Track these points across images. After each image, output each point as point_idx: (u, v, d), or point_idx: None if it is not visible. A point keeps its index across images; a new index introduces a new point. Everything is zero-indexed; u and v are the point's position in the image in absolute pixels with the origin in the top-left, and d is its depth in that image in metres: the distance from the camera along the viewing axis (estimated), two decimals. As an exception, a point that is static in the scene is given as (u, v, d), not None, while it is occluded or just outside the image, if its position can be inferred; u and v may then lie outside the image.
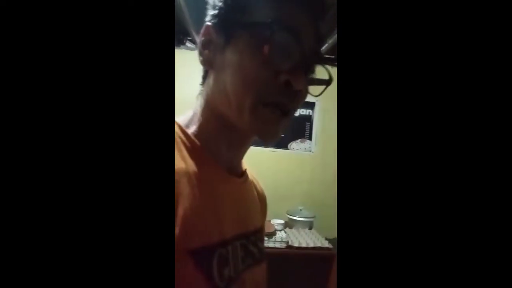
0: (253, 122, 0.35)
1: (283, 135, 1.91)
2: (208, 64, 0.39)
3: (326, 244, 1.56)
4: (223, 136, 0.40)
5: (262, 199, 0.53)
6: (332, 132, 1.96)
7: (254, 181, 0.52)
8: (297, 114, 2.02)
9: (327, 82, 0.38)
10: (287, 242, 1.53)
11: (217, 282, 0.33)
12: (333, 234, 1.64)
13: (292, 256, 1.49)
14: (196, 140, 0.38)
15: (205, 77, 0.41)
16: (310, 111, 2.01)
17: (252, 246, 0.43)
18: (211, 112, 0.39)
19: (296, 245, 1.51)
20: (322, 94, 0.40)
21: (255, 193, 0.50)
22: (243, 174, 0.46)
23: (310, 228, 1.81)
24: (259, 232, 0.47)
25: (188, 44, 1.91)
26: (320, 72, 0.39)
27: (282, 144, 1.98)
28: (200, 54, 0.39)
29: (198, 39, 0.39)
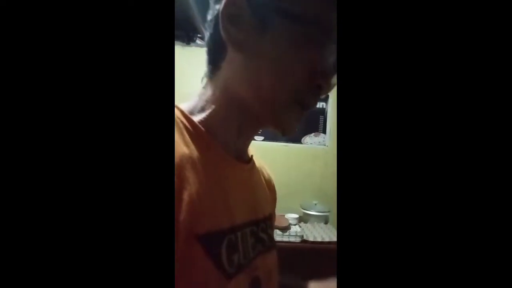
0: (279, 117, 0.36)
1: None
2: (236, 44, 0.35)
3: (342, 238, 1.54)
4: (236, 123, 0.38)
5: (270, 186, 0.52)
6: (346, 125, 1.93)
7: (262, 168, 0.51)
8: (309, 107, 2.00)
9: None
10: (302, 236, 1.52)
11: (227, 268, 0.33)
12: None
13: (308, 251, 1.49)
14: (200, 126, 0.36)
15: (217, 59, 0.37)
16: (324, 104, 1.98)
17: (262, 233, 0.43)
18: (229, 97, 0.37)
19: (311, 239, 1.51)
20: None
21: (263, 179, 0.50)
22: (250, 160, 0.45)
23: (326, 223, 1.80)
24: (268, 219, 0.46)
25: (198, 41, 1.91)
26: None
27: (296, 139, 1.97)
28: (225, 30, 0.34)
29: (220, 8, 0.34)
